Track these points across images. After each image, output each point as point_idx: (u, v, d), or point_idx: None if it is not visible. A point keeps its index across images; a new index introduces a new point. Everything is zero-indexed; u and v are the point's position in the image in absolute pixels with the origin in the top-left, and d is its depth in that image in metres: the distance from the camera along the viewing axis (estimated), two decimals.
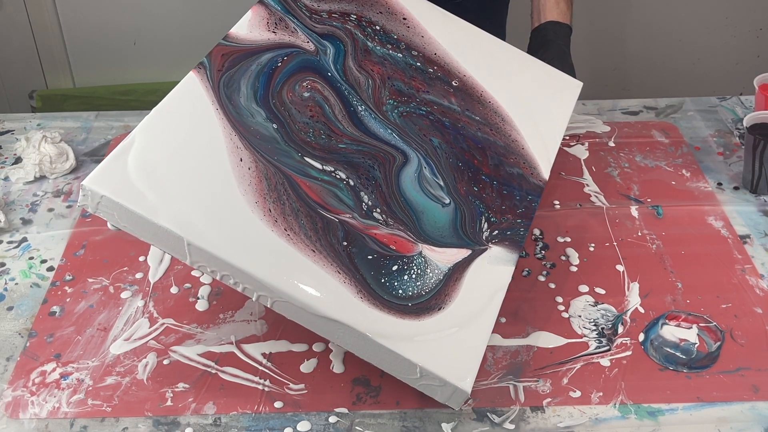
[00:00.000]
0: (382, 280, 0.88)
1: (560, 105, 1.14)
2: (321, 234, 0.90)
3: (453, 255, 0.93)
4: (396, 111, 1.03)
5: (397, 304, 0.87)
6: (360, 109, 1.02)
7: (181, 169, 0.91)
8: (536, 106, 1.11)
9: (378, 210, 0.94)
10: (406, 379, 0.87)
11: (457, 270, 0.92)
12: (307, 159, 0.95)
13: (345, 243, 0.90)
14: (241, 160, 0.93)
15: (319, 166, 0.95)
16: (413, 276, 0.90)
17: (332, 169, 0.96)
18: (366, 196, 0.95)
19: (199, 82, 0.98)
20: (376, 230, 0.92)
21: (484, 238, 0.96)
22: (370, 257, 0.90)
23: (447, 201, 0.97)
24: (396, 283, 0.89)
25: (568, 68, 1.23)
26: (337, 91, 1.03)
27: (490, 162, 1.03)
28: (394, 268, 0.90)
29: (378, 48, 1.09)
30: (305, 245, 0.88)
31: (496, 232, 0.97)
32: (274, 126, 0.97)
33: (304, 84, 1.02)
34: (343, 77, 1.05)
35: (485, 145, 1.04)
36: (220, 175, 0.91)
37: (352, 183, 0.95)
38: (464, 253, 0.94)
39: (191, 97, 0.97)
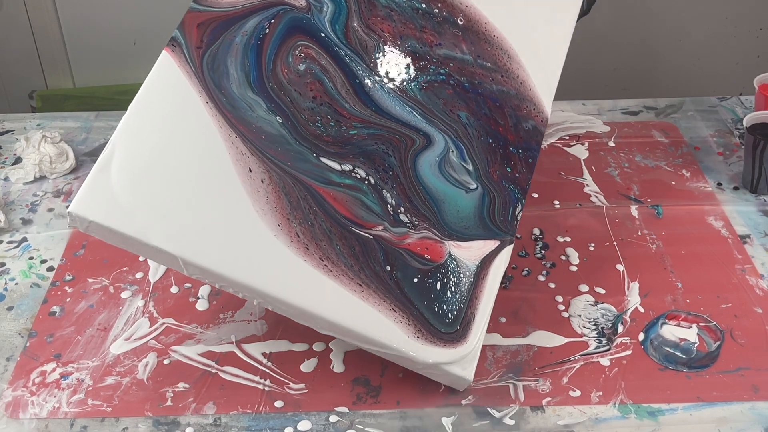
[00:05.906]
0: (435, 308, 0.83)
1: (560, 23, 1.01)
2: (362, 261, 0.82)
3: (479, 249, 0.86)
4: (415, 83, 0.90)
5: (450, 334, 0.83)
6: (368, 81, 0.89)
7: (172, 181, 0.81)
8: (536, 27, 0.99)
9: (402, 209, 0.86)
10: (407, 365, 0.86)
11: (484, 266, 0.86)
12: (323, 160, 0.85)
13: (388, 268, 0.83)
14: (250, 170, 0.82)
15: (337, 167, 0.85)
16: (452, 288, 0.84)
17: (351, 168, 0.86)
18: (388, 194, 0.86)
19: (176, 66, 0.84)
20: (408, 239, 0.85)
21: (515, 226, 0.88)
22: (415, 280, 0.83)
23: (473, 186, 0.88)
24: (445, 306, 0.83)
25: None
26: (335, 57, 0.89)
27: (510, 123, 0.92)
28: (438, 286, 0.84)
29: None
30: (349, 278, 0.81)
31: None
32: (279, 119, 0.85)
33: (297, 53, 0.88)
34: (345, 41, 0.90)
35: (502, 101, 0.93)
36: (226, 189, 0.82)
37: (372, 181, 0.86)
38: (491, 245, 0.87)
39: (171, 87, 0.84)
